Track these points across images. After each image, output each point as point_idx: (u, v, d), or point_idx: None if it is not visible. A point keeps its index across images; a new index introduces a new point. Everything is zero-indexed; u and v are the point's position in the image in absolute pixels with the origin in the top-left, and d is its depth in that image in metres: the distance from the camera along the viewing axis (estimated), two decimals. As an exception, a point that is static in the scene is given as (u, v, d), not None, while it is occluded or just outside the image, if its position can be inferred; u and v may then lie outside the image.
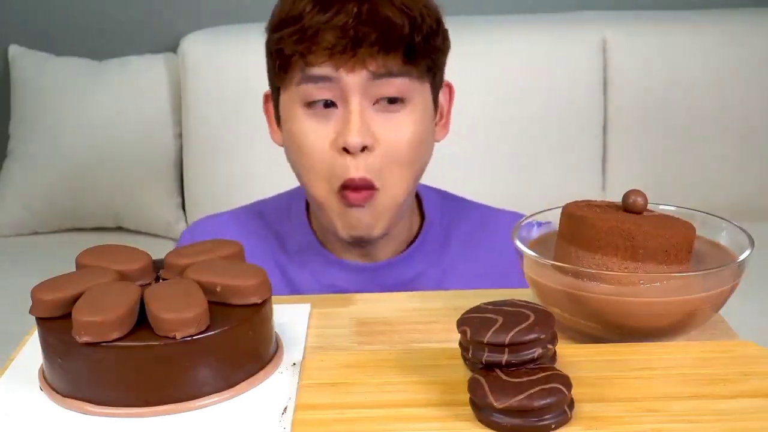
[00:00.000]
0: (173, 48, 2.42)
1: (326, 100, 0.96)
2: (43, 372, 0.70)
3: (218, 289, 0.69)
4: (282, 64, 0.98)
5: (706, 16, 2.41)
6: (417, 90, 0.99)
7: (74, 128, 2.37)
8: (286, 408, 0.66)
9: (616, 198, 0.79)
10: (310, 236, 1.09)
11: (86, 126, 2.37)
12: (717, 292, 0.73)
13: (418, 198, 1.12)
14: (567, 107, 2.33)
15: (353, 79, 0.95)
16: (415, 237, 1.09)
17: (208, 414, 0.66)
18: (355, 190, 0.96)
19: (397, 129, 0.97)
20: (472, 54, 2.33)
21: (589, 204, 0.79)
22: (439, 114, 1.05)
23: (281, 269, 1.08)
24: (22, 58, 2.45)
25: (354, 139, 0.94)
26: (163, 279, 0.73)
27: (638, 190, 0.76)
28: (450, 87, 1.08)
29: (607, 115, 2.37)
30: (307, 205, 1.10)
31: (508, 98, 2.33)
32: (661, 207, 0.81)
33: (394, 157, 0.97)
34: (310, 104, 0.97)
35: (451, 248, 1.10)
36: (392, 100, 0.97)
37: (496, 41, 2.36)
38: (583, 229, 0.74)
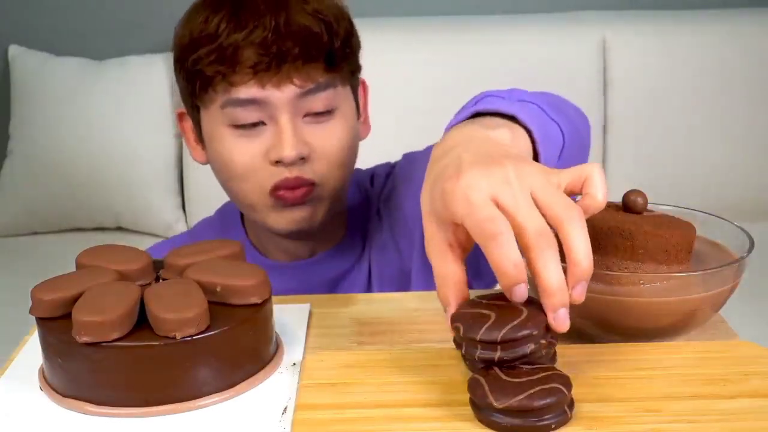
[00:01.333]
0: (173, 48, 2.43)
1: (254, 122, 0.95)
2: (43, 372, 0.70)
3: (218, 289, 0.69)
4: (202, 85, 0.96)
5: (706, 16, 2.41)
6: (342, 97, 0.99)
7: (74, 128, 2.37)
8: (286, 408, 0.66)
9: (616, 198, 0.79)
10: (246, 244, 1.08)
11: (86, 126, 2.37)
12: (717, 292, 0.72)
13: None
14: (567, 107, 2.33)
15: (281, 97, 0.94)
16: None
17: (208, 414, 0.66)
18: (290, 189, 0.96)
19: (329, 137, 0.97)
20: (471, 54, 2.33)
21: None
22: (359, 113, 1.05)
23: None
24: (22, 58, 2.45)
25: (288, 153, 0.94)
26: (163, 279, 0.73)
27: (638, 190, 0.76)
28: (364, 84, 1.07)
29: (607, 115, 2.37)
30: (242, 214, 1.10)
31: (508, 98, 2.33)
32: (661, 207, 0.81)
33: (330, 161, 0.97)
34: (235, 126, 0.96)
35: (386, 219, 1.09)
36: (321, 113, 0.97)
37: (496, 41, 2.36)
38: None
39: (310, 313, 0.82)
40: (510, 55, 2.34)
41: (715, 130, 2.37)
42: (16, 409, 0.67)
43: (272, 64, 0.92)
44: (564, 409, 0.60)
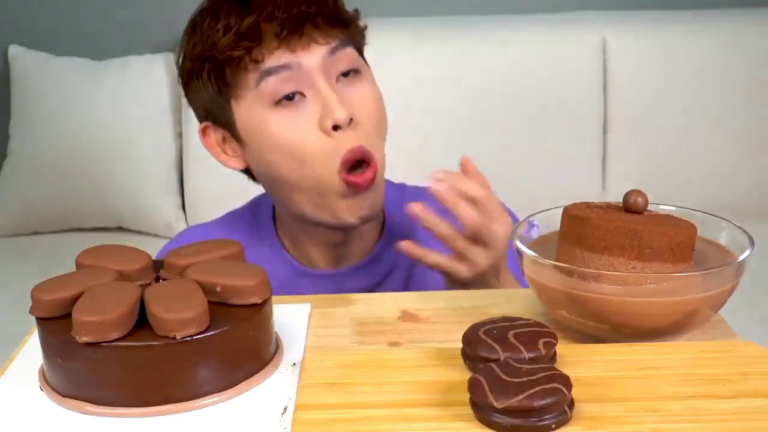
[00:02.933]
0: (173, 48, 2.42)
1: (289, 94, 0.95)
2: (43, 372, 0.70)
3: (218, 289, 0.69)
4: (233, 71, 0.95)
5: (706, 16, 2.40)
6: (360, 60, 1.00)
7: (74, 128, 2.37)
8: (286, 408, 0.66)
9: (616, 198, 0.79)
10: (278, 245, 1.07)
11: (86, 126, 2.37)
12: (717, 292, 0.72)
13: None
14: (567, 107, 2.33)
15: (312, 60, 0.95)
16: (379, 236, 1.09)
17: (208, 414, 0.66)
18: (359, 175, 0.95)
19: (364, 98, 0.98)
20: (471, 54, 2.33)
21: (589, 205, 0.78)
22: None
23: None
24: (22, 58, 2.45)
25: (340, 114, 0.93)
26: (163, 279, 0.73)
27: (639, 191, 0.76)
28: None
29: (607, 115, 2.36)
30: (273, 213, 1.09)
31: (508, 98, 2.33)
32: (662, 207, 0.81)
33: (374, 124, 0.98)
34: (276, 103, 0.95)
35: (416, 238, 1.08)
36: (346, 73, 0.97)
37: (496, 41, 2.36)
38: (588, 230, 0.74)
39: (310, 313, 0.82)
40: (509, 55, 2.34)
41: (715, 130, 2.36)
42: (16, 409, 0.67)
43: (296, 28, 0.94)
44: (564, 409, 0.60)
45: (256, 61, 0.94)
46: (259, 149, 0.98)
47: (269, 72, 0.94)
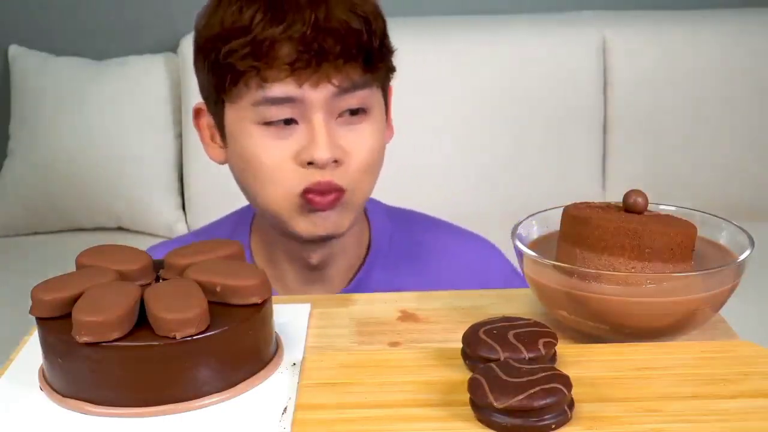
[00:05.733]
0: (173, 48, 2.42)
1: (286, 119, 0.92)
2: (43, 372, 0.70)
3: (218, 289, 0.69)
4: (233, 80, 0.91)
5: (706, 16, 2.40)
6: (375, 98, 0.96)
7: (74, 128, 2.37)
8: (286, 408, 0.66)
9: (616, 198, 0.79)
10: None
11: (86, 126, 2.37)
12: (717, 292, 0.72)
13: (366, 218, 1.08)
14: (567, 107, 2.33)
15: (317, 96, 0.90)
16: (362, 264, 1.05)
17: (208, 414, 0.66)
18: (320, 194, 0.92)
19: (362, 140, 0.94)
20: (471, 54, 2.33)
21: (589, 205, 0.78)
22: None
23: None
24: (22, 58, 2.45)
25: (322, 155, 0.90)
26: (163, 279, 0.73)
27: (639, 191, 0.76)
28: (390, 88, 1.03)
29: (607, 114, 2.37)
30: (250, 230, 1.06)
31: (508, 98, 2.33)
32: (661, 207, 0.81)
33: (362, 166, 0.94)
34: (266, 123, 0.92)
35: (400, 280, 1.04)
36: (354, 112, 0.93)
37: (496, 41, 2.36)
38: (588, 231, 0.74)
39: (310, 313, 0.82)
40: (510, 55, 2.34)
41: (716, 130, 2.36)
42: (16, 409, 0.67)
43: (312, 62, 0.88)
44: (564, 409, 0.60)
45: (261, 80, 0.90)
46: (235, 156, 0.96)
47: (270, 101, 0.91)
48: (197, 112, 1.02)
